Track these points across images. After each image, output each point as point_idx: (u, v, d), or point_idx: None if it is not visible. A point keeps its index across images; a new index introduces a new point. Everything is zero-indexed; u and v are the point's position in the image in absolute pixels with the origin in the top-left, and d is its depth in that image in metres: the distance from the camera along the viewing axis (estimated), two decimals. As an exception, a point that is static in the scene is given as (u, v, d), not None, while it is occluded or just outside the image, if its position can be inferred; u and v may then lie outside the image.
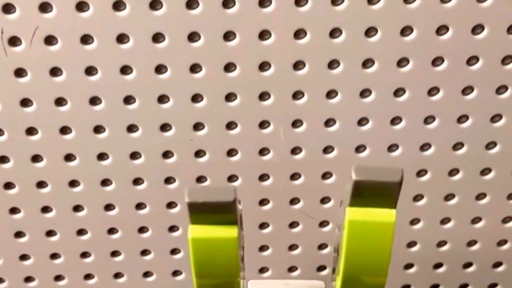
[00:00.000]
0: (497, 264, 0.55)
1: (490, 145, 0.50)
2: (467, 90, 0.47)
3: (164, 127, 0.48)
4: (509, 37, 0.45)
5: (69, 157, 0.49)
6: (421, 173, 0.51)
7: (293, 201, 0.52)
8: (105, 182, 0.51)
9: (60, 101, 0.47)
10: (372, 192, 0.28)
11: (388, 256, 0.29)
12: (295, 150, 0.50)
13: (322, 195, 0.52)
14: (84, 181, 0.50)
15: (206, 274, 0.29)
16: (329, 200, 0.51)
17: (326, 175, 0.51)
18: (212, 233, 0.28)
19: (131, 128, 0.48)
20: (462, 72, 0.46)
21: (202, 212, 0.28)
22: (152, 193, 0.51)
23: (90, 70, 0.46)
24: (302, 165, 0.50)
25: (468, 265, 0.55)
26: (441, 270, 0.55)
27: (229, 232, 0.28)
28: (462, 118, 0.48)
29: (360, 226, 0.29)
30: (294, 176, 0.51)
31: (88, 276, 0.55)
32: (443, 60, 0.46)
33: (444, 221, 0.53)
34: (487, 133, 0.49)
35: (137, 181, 0.50)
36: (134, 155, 0.49)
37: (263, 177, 0.51)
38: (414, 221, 0.53)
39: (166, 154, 0.49)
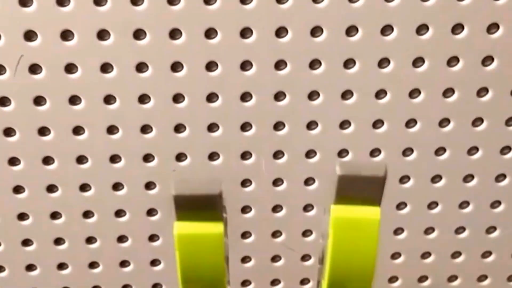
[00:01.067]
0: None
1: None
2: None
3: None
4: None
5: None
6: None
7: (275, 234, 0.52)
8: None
9: (43, 131, 0.48)
10: (356, 188, 0.28)
11: (374, 252, 0.29)
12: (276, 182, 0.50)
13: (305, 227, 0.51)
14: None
15: (192, 275, 0.29)
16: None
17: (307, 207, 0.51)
18: (197, 229, 0.28)
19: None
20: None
21: (188, 205, 0.27)
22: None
23: (74, 100, 0.47)
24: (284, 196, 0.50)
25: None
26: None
27: (214, 228, 0.28)
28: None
29: (345, 224, 0.28)
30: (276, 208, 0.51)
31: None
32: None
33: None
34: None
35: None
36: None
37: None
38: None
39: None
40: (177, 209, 0.28)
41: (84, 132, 0.48)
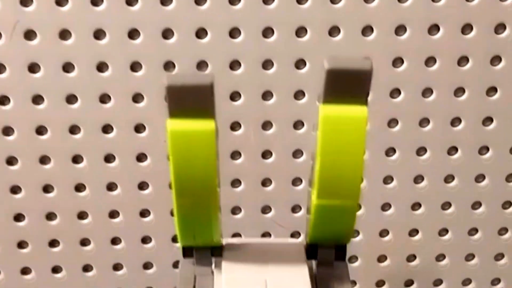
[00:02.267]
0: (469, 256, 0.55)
1: (452, 151, 0.51)
2: (426, 92, 0.49)
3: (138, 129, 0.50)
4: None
5: (43, 160, 0.51)
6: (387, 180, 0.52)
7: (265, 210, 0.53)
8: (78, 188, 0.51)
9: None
10: (344, 83, 0.28)
11: (362, 152, 0.29)
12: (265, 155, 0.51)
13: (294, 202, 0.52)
14: (58, 186, 0.51)
15: (184, 174, 0.29)
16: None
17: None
18: (190, 126, 0.28)
19: (106, 130, 0.50)
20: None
21: (180, 99, 0.28)
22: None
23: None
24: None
25: (438, 281, 0.56)
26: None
27: (207, 125, 0.28)
28: (423, 123, 0.50)
29: (334, 122, 0.29)
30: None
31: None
32: (402, 61, 0.48)
33: (412, 233, 0.54)
34: (448, 138, 0.51)
35: (111, 188, 0.52)
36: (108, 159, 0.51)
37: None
38: (385, 206, 0.53)
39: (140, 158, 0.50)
40: (170, 103, 0.28)
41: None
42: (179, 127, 0.28)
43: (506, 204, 0.53)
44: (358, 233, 0.53)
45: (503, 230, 0.54)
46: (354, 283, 0.54)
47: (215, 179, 0.29)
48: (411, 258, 0.55)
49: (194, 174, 0.29)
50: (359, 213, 0.52)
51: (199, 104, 0.28)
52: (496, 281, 0.56)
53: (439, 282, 0.56)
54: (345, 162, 0.29)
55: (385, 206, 0.53)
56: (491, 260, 0.55)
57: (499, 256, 0.55)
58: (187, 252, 0.34)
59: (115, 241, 0.53)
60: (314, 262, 0.34)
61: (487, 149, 0.52)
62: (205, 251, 0.34)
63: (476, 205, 0.53)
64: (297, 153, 0.51)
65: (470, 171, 0.52)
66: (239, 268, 0.32)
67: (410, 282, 0.55)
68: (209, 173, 0.29)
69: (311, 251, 0.34)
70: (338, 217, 0.31)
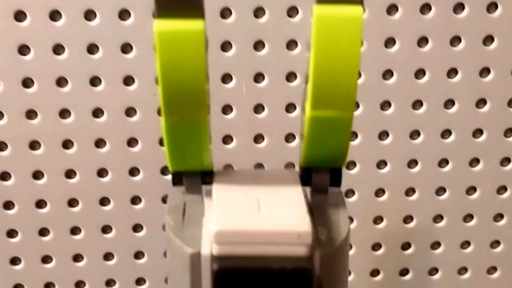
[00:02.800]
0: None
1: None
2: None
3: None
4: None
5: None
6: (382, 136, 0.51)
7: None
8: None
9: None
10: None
11: (357, 53, 0.28)
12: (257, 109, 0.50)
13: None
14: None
15: (172, 79, 0.28)
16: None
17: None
18: (178, 25, 0.27)
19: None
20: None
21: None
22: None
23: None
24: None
25: (436, 244, 0.55)
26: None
27: (195, 25, 0.27)
28: (419, 74, 0.50)
29: (328, 22, 0.28)
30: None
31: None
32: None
33: (409, 192, 0.53)
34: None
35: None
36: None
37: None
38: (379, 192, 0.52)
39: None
40: (157, 2, 0.27)
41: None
42: (166, 27, 0.27)
43: (505, 162, 0.52)
44: (353, 192, 0.52)
45: (501, 189, 0.52)
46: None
47: (204, 84, 0.28)
48: (408, 219, 0.53)
49: (183, 79, 0.28)
50: (353, 171, 0.51)
51: (187, 2, 0.27)
52: (496, 243, 0.54)
53: (437, 245, 0.54)
54: (340, 66, 0.28)
55: (381, 164, 0.51)
56: (490, 221, 0.53)
57: (498, 217, 0.53)
58: (177, 179, 0.32)
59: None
60: (308, 191, 0.33)
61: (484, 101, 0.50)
62: (195, 177, 0.32)
63: (474, 162, 0.52)
64: (290, 108, 0.50)
65: (468, 126, 0.50)
66: (231, 189, 0.31)
67: (407, 246, 0.54)
68: (198, 77, 0.28)
69: (305, 176, 0.32)
70: (332, 130, 0.30)
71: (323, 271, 0.29)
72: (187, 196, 0.32)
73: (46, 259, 0.53)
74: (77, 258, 0.53)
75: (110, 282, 0.53)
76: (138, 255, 0.53)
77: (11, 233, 0.52)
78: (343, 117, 0.29)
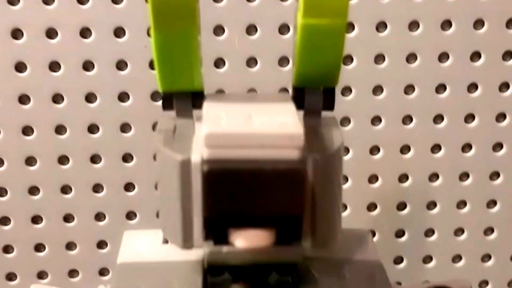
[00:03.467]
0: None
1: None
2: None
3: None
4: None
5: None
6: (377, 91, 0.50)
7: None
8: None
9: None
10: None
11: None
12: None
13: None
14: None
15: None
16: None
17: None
18: None
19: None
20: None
21: None
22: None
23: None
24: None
25: (432, 204, 0.55)
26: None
27: None
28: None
29: None
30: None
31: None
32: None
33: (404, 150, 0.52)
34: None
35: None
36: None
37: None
38: (374, 150, 0.52)
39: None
40: None
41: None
42: None
43: (500, 118, 0.51)
44: (347, 150, 0.51)
45: (497, 147, 0.52)
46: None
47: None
48: (403, 178, 0.53)
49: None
50: (347, 128, 0.50)
51: None
52: (492, 203, 0.53)
53: (433, 205, 0.53)
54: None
55: (375, 120, 0.51)
56: (486, 179, 0.53)
57: (495, 176, 0.53)
58: (167, 102, 0.32)
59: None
60: (301, 115, 0.32)
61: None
62: (186, 99, 0.32)
63: (469, 118, 0.52)
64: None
65: (463, 81, 0.50)
66: (222, 105, 0.30)
67: (403, 206, 0.53)
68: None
69: (298, 97, 0.32)
70: (325, 41, 0.29)
71: (316, 178, 0.28)
72: (178, 120, 0.32)
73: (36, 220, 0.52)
74: (67, 218, 0.52)
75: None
76: (130, 215, 0.51)
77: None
78: (336, 25, 0.29)
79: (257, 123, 0.28)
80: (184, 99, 0.32)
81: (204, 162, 0.26)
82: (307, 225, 0.29)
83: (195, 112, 0.32)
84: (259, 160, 0.27)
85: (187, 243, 0.29)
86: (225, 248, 0.28)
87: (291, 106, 0.30)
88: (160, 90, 0.31)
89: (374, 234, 0.53)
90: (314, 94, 0.31)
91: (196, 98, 0.32)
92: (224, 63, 0.48)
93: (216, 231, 0.28)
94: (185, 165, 0.28)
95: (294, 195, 0.27)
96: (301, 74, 0.30)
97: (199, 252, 0.33)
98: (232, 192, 0.26)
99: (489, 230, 0.54)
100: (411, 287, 0.34)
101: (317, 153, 0.28)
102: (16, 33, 0.47)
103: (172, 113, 0.31)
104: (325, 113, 0.32)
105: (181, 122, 0.32)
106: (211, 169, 0.26)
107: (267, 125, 0.27)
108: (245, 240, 0.27)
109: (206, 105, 0.30)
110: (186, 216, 0.28)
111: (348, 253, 0.33)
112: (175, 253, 0.33)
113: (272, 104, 0.30)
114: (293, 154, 0.27)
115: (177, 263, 0.33)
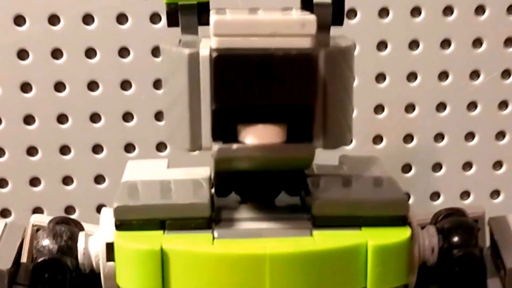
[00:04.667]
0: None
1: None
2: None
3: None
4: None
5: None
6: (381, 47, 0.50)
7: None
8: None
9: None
10: None
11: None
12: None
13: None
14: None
15: None
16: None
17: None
18: None
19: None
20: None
21: None
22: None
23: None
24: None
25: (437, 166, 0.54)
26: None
27: None
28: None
29: None
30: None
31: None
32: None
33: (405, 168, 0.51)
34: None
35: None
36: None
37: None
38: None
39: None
40: None
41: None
42: None
43: (506, 75, 0.51)
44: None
45: (503, 105, 0.51)
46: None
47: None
48: (408, 138, 0.52)
49: None
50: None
51: None
52: (498, 164, 0.53)
53: (438, 167, 0.52)
54: None
55: (380, 78, 0.50)
56: (491, 140, 0.52)
57: (501, 136, 0.52)
58: (172, 16, 0.31)
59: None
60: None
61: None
62: (191, 12, 0.31)
63: (474, 75, 0.51)
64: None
65: (468, 35, 0.49)
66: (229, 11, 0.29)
67: (408, 168, 0.52)
68: None
69: (306, 9, 0.31)
70: None
71: (328, 71, 0.27)
72: (183, 37, 0.31)
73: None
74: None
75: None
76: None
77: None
78: None
79: (266, 14, 0.27)
80: (189, 11, 0.31)
81: (212, 50, 0.26)
82: (318, 124, 0.28)
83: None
84: (270, 49, 0.26)
85: (195, 144, 0.28)
86: (234, 145, 0.27)
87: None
88: (165, 1, 0.30)
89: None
90: (323, 6, 0.31)
91: (201, 11, 0.31)
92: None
93: (225, 127, 0.27)
94: (193, 58, 0.27)
95: (306, 83, 0.26)
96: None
97: (207, 172, 0.32)
98: (242, 80, 0.26)
99: (498, 164, 0.53)
100: (423, 215, 0.33)
101: (329, 47, 0.27)
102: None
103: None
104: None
105: (187, 38, 0.31)
106: (221, 55, 0.25)
107: (277, 15, 0.26)
108: (256, 137, 0.27)
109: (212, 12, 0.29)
110: (194, 114, 0.28)
111: (359, 171, 0.32)
112: (181, 173, 0.32)
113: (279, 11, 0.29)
114: (305, 42, 0.26)
115: (183, 180, 0.32)
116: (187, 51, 0.27)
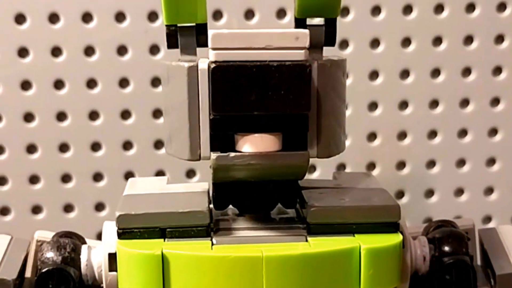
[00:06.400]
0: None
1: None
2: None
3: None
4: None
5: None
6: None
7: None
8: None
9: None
10: None
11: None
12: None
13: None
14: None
15: None
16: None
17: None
18: None
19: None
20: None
21: None
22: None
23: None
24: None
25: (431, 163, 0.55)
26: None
27: None
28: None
29: None
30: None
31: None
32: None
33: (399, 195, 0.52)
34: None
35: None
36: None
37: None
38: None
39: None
40: None
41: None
42: None
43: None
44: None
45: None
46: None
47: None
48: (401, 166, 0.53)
49: None
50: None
51: None
52: (489, 190, 0.54)
53: (431, 193, 0.54)
54: None
55: (372, 107, 0.52)
56: (482, 166, 0.53)
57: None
58: (172, 38, 0.32)
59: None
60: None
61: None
62: (190, 33, 0.32)
63: (464, 103, 0.53)
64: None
65: (457, 64, 0.51)
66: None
67: (401, 194, 0.54)
68: None
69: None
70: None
71: (321, 82, 0.29)
72: (182, 57, 0.32)
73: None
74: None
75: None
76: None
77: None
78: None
79: (262, 30, 0.28)
80: (188, 33, 0.32)
81: (211, 63, 0.27)
82: (312, 132, 0.29)
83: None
84: (265, 60, 0.27)
85: (194, 153, 0.29)
86: (232, 154, 0.28)
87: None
88: (164, 22, 0.32)
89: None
90: (316, 28, 0.32)
91: (200, 32, 0.32)
92: (221, 15, 0.49)
93: (223, 138, 0.28)
94: (192, 71, 0.28)
95: (300, 92, 0.27)
96: (302, 3, 0.31)
97: (205, 186, 0.33)
98: (239, 90, 0.27)
99: (489, 190, 0.55)
100: (415, 227, 0.34)
101: (322, 60, 0.29)
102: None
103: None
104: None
105: (186, 58, 0.32)
106: (218, 66, 0.27)
107: (272, 29, 0.28)
108: (252, 146, 0.28)
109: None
110: (193, 125, 0.29)
111: (353, 184, 0.34)
112: (180, 187, 0.33)
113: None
114: (299, 54, 0.27)
115: (183, 193, 0.33)
116: (186, 64, 0.28)
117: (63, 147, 0.50)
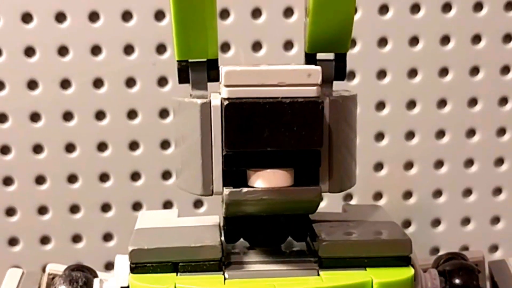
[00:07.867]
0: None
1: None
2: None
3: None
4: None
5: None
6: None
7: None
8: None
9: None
10: None
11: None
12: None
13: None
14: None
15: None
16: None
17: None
18: None
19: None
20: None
21: None
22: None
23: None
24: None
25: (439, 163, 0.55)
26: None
27: None
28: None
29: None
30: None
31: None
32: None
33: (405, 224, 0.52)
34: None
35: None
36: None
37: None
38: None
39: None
40: None
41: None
42: None
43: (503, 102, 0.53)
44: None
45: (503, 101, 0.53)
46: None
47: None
48: (407, 195, 0.53)
49: None
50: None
51: None
52: (495, 220, 0.54)
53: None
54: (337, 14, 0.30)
55: (378, 137, 0.52)
56: (489, 196, 0.53)
57: (501, 132, 0.53)
58: (183, 73, 0.32)
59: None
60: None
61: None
62: (201, 69, 0.32)
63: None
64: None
65: (463, 95, 0.52)
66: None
67: (408, 224, 0.54)
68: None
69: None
70: (337, 4, 0.30)
71: (332, 119, 0.29)
72: (194, 92, 0.33)
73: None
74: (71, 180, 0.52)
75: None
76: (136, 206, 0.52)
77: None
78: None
79: (274, 67, 0.29)
80: (199, 68, 0.32)
81: (223, 100, 0.27)
82: (324, 168, 0.29)
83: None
84: (278, 97, 0.27)
85: (206, 189, 0.29)
86: (244, 189, 0.28)
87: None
88: (176, 58, 0.32)
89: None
90: (326, 62, 0.32)
91: (211, 67, 0.32)
92: (229, 47, 0.49)
93: (236, 173, 0.28)
94: (205, 107, 0.29)
95: (312, 129, 0.27)
96: (313, 38, 0.32)
97: (216, 219, 0.33)
98: (252, 126, 0.27)
99: (495, 219, 0.55)
100: (424, 260, 0.34)
101: (334, 96, 0.29)
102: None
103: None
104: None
105: (197, 93, 0.32)
106: (231, 103, 0.27)
107: (284, 66, 0.28)
108: (265, 181, 0.28)
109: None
110: (206, 160, 0.29)
111: (363, 217, 0.34)
112: (191, 221, 0.33)
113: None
114: (311, 91, 0.28)
115: (194, 226, 0.33)
116: (199, 101, 0.29)
117: (72, 178, 0.50)
